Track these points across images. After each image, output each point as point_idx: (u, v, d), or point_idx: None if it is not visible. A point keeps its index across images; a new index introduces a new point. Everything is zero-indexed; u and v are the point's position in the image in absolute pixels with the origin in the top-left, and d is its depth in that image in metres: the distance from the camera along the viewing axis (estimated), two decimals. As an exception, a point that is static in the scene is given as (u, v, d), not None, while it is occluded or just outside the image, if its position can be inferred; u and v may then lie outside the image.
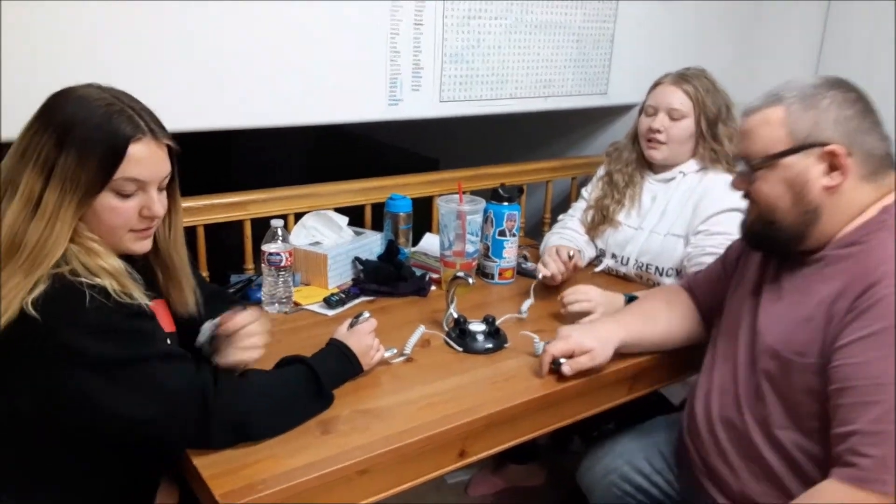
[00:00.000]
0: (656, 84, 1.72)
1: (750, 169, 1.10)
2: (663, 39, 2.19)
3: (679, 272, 1.63)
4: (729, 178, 1.61)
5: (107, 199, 0.94)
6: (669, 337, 1.37)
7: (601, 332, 1.29)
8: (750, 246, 1.22)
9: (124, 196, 0.95)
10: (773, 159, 1.07)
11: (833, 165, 1.03)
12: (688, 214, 1.64)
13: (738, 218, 1.55)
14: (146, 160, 0.95)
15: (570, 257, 1.61)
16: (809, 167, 1.04)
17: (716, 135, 1.65)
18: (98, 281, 0.91)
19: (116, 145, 0.92)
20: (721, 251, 1.53)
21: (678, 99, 1.65)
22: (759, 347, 1.11)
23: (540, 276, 1.57)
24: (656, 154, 1.70)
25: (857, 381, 0.95)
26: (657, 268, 1.67)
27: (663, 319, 1.37)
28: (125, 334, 0.92)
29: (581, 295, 1.47)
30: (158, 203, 0.99)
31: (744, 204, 1.59)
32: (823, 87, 1.06)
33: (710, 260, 1.53)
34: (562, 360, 1.23)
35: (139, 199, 0.97)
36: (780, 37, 2.33)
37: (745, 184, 1.13)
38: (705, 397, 1.21)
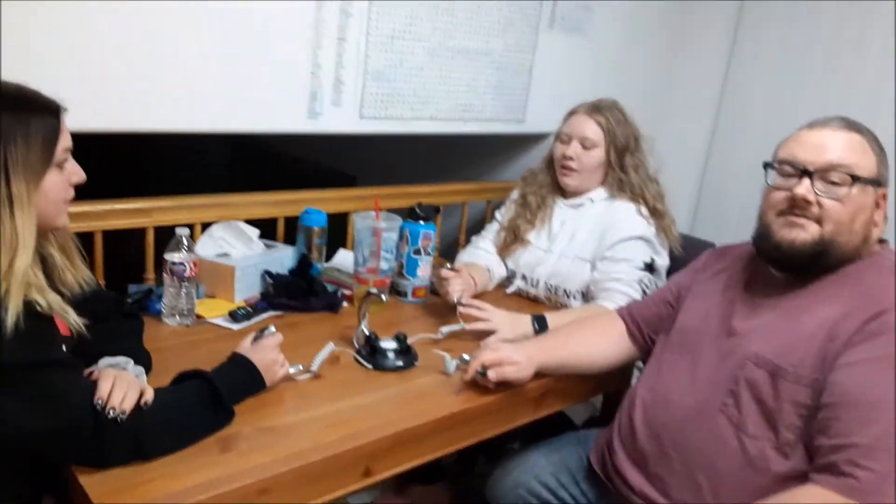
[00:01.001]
0: (571, 113, 1.79)
1: (829, 182, 1.09)
2: (579, 72, 2.28)
3: (585, 295, 1.69)
4: (633, 207, 1.70)
5: (52, 175, 0.97)
6: (592, 364, 1.42)
7: (528, 349, 1.33)
8: (786, 263, 1.16)
9: (61, 168, 0.98)
10: (865, 182, 1.10)
11: (877, 205, 1.13)
12: (595, 240, 1.70)
13: (641, 246, 1.65)
14: (67, 130, 0.99)
15: (452, 268, 1.63)
16: (872, 201, 1.13)
17: (623, 165, 1.73)
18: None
19: (52, 122, 0.96)
20: (625, 277, 1.61)
21: (591, 129, 1.72)
22: (737, 356, 1.14)
23: (456, 298, 1.55)
24: (569, 181, 1.77)
25: (859, 399, 1.00)
26: (565, 290, 1.72)
27: (591, 346, 1.42)
28: (23, 336, 0.87)
29: (484, 308, 1.50)
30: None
31: (648, 233, 1.67)
32: (873, 133, 1.14)
33: (615, 286, 1.60)
34: (487, 370, 1.26)
35: (68, 169, 1.00)
36: (688, 73, 2.49)
37: (814, 196, 1.10)
38: (649, 406, 1.24)
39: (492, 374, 1.26)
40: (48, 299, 0.92)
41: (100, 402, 0.91)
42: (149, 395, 0.97)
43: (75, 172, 1.02)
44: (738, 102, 2.42)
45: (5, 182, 0.90)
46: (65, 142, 0.98)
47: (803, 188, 1.10)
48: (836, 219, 1.10)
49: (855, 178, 1.09)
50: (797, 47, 2.26)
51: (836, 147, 1.11)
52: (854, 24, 2.13)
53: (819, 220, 1.10)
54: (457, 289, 1.57)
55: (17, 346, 0.86)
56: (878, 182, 1.13)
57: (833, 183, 1.10)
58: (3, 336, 0.84)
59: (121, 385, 0.94)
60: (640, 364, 1.52)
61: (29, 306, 0.88)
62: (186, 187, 1.73)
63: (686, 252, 1.71)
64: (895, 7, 2.02)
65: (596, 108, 1.74)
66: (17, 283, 0.87)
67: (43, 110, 0.96)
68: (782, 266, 1.18)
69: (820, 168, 1.10)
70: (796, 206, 1.12)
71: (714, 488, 1.13)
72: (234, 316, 1.46)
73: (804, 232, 1.11)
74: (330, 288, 1.65)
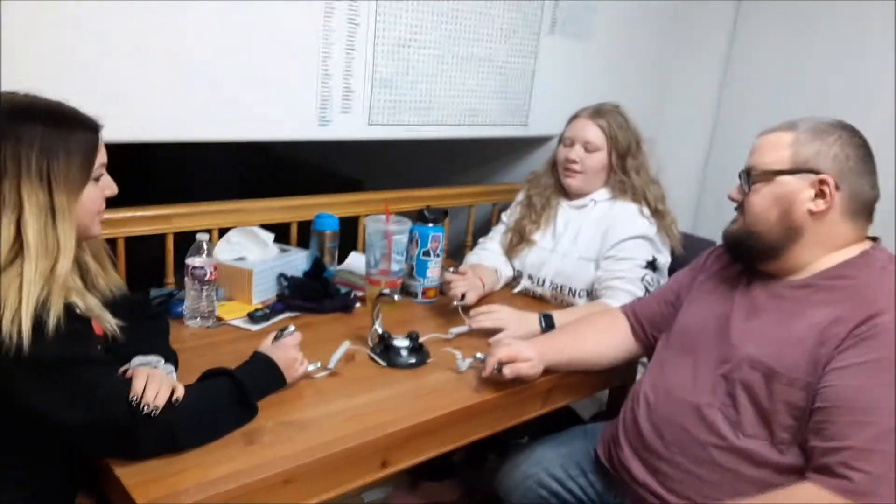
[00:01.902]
0: (574, 117, 1.84)
1: (748, 180, 1.21)
2: (581, 76, 2.34)
3: (590, 293, 1.74)
4: (635, 207, 1.75)
5: (90, 189, 1.03)
6: (598, 360, 1.47)
7: (538, 346, 1.38)
8: (727, 251, 1.32)
9: (97, 182, 1.05)
10: (770, 175, 1.18)
11: (821, 193, 1.15)
12: (598, 240, 1.75)
13: (643, 245, 1.70)
14: (103, 146, 1.06)
15: (456, 271, 1.68)
16: (800, 189, 1.16)
17: (625, 167, 1.78)
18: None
19: (90, 137, 1.02)
20: (629, 275, 1.65)
21: (593, 133, 1.77)
22: (734, 358, 1.18)
23: (455, 303, 1.61)
24: (572, 182, 1.82)
25: (851, 403, 1.04)
26: (570, 289, 1.77)
27: (597, 343, 1.47)
28: (63, 335, 0.92)
29: (492, 312, 1.55)
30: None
31: (650, 232, 1.73)
32: (835, 126, 1.18)
33: (618, 284, 1.65)
34: (502, 366, 1.31)
35: (103, 182, 1.07)
36: (688, 76, 2.55)
37: (740, 194, 1.24)
38: (651, 403, 1.28)
39: (507, 371, 1.30)
40: (87, 303, 0.98)
41: (135, 398, 0.97)
42: (179, 392, 1.03)
43: (109, 186, 1.08)
44: (738, 102, 2.47)
45: (48, 193, 0.95)
46: (101, 157, 1.05)
47: (733, 189, 1.26)
48: (751, 212, 1.21)
49: (765, 174, 1.19)
50: (795, 47, 2.31)
51: (757, 148, 1.23)
52: (852, 23, 2.18)
53: (744, 214, 1.23)
54: (458, 292, 1.62)
55: (57, 345, 0.91)
56: (795, 171, 1.16)
57: (750, 182, 1.21)
58: (46, 335, 0.90)
59: (154, 382, 1.00)
60: (644, 360, 1.57)
61: (69, 308, 0.94)
62: (198, 195, 1.78)
63: (688, 251, 1.76)
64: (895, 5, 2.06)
65: (598, 113, 1.79)
66: (59, 287, 0.93)
67: (82, 126, 1.01)
68: (737, 257, 1.30)
69: (745, 170, 1.23)
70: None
71: (714, 481, 1.17)
72: (252, 317, 1.52)
73: (735, 224, 1.26)
74: (343, 290, 1.70)
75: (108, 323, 1.02)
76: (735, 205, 1.26)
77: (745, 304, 1.24)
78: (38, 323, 0.90)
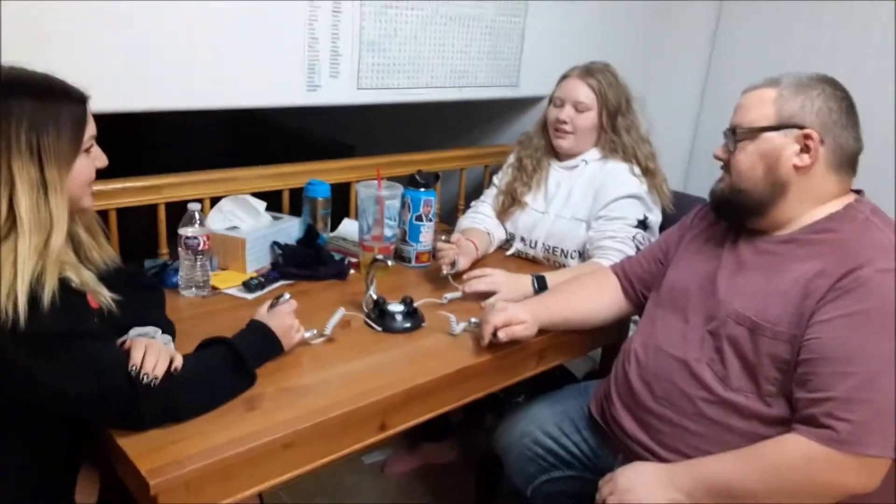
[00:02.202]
0: (564, 77, 1.83)
1: (734, 138, 1.21)
2: (571, 35, 2.31)
3: (581, 254, 1.76)
4: (626, 166, 1.76)
5: (81, 161, 1.02)
6: (591, 319, 1.49)
7: (531, 307, 1.40)
8: (714, 210, 1.32)
9: (88, 153, 1.04)
10: (756, 132, 1.18)
11: (806, 147, 1.15)
12: (589, 200, 1.76)
13: (634, 204, 1.71)
14: (92, 117, 1.05)
15: (447, 240, 1.68)
16: (785, 145, 1.16)
17: (615, 127, 1.78)
18: None
19: (79, 110, 1.01)
20: (620, 234, 1.66)
21: (583, 92, 1.76)
22: (721, 314, 1.20)
23: (445, 272, 1.62)
24: (563, 143, 1.82)
25: (835, 354, 1.06)
26: (563, 250, 1.78)
27: (589, 303, 1.49)
28: (59, 309, 0.92)
29: (485, 276, 1.57)
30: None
31: (640, 191, 1.74)
32: (817, 81, 1.18)
33: (610, 243, 1.66)
34: (497, 331, 1.33)
35: (93, 154, 1.06)
36: (678, 34, 2.52)
37: (725, 153, 1.25)
38: (642, 360, 1.31)
39: (502, 335, 1.32)
40: (82, 277, 0.98)
41: (134, 368, 0.98)
42: (178, 361, 1.04)
43: (99, 157, 1.07)
44: (728, 60, 2.45)
45: (39, 168, 0.95)
46: (91, 129, 1.04)
47: (718, 148, 1.26)
48: (737, 169, 1.22)
49: (750, 131, 1.19)
50: (785, 4, 2.28)
51: (741, 106, 1.24)
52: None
53: (730, 173, 1.24)
54: (448, 261, 1.63)
55: (54, 319, 0.92)
56: (779, 127, 1.17)
57: (736, 140, 1.21)
58: (42, 310, 0.91)
59: (152, 352, 1.01)
60: (636, 318, 1.59)
61: (63, 282, 0.95)
62: (185, 164, 1.77)
63: (679, 209, 1.76)
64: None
65: (588, 72, 1.78)
66: (52, 262, 0.93)
67: (70, 99, 1.00)
68: (725, 215, 1.31)
69: (730, 128, 1.24)
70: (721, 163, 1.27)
71: (703, 434, 1.20)
72: (247, 286, 1.52)
73: (722, 183, 1.27)
74: (336, 256, 1.71)
75: (102, 297, 1.02)
76: (721, 164, 1.27)
77: (731, 261, 1.26)
78: (34, 298, 0.90)
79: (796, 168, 1.17)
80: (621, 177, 1.74)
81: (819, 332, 1.09)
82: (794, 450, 1.07)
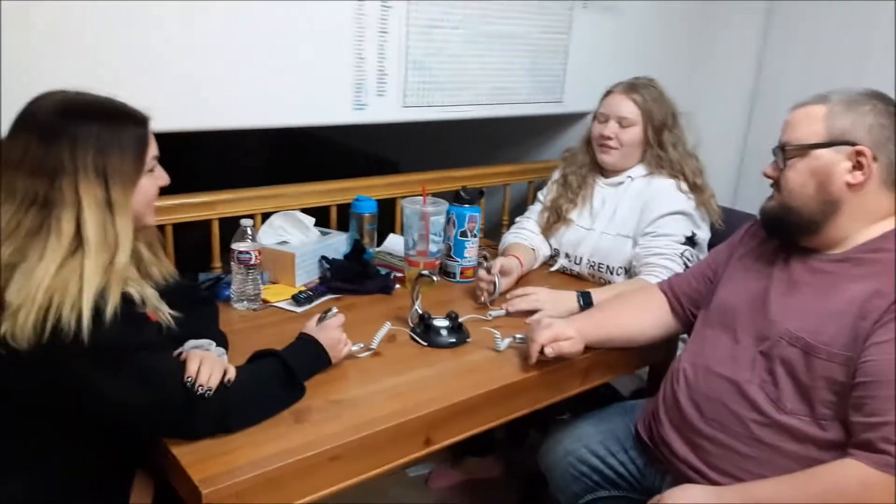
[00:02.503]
0: (608, 93, 1.83)
1: (783, 156, 1.20)
2: (616, 50, 2.30)
3: (627, 271, 1.74)
4: (673, 182, 1.74)
5: (144, 181, 1.06)
6: (637, 337, 1.48)
7: (577, 323, 1.39)
8: (765, 228, 1.31)
9: (151, 173, 1.08)
10: (806, 149, 1.17)
11: (858, 164, 1.13)
12: (635, 216, 1.74)
13: (681, 221, 1.69)
14: (153, 138, 1.08)
15: (488, 270, 1.65)
16: (837, 162, 1.15)
17: (661, 142, 1.76)
18: None
19: (142, 132, 1.05)
20: (667, 251, 1.64)
21: (627, 108, 1.76)
22: (773, 334, 1.18)
23: (483, 299, 1.62)
24: (607, 158, 1.81)
25: (892, 377, 1.02)
26: (608, 267, 1.77)
27: (636, 320, 1.47)
28: (120, 322, 0.96)
29: (528, 294, 1.57)
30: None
31: (688, 207, 1.71)
32: (867, 96, 1.16)
33: (657, 260, 1.64)
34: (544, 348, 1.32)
35: (155, 174, 1.10)
36: (725, 48, 2.49)
37: (775, 170, 1.23)
38: (691, 379, 1.29)
39: (549, 351, 1.31)
40: (145, 294, 1.03)
41: (189, 379, 1.02)
42: (231, 373, 1.07)
43: (161, 176, 1.12)
44: (776, 73, 2.41)
45: (105, 189, 0.99)
46: (153, 150, 1.08)
47: (767, 166, 1.25)
48: (787, 187, 1.20)
49: (800, 148, 1.17)
50: (835, 14, 2.23)
51: (790, 124, 1.21)
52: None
53: (780, 191, 1.22)
54: (483, 298, 1.62)
55: (116, 332, 0.96)
56: (830, 144, 1.14)
57: (785, 157, 1.20)
58: (104, 323, 0.94)
59: (207, 364, 1.04)
60: (684, 336, 1.57)
61: (125, 297, 0.99)
62: (233, 180, 1.82)
63: (728, 225, 1.73)
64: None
65: (632, 87, 1.77)
66: (117, 278, 0.97)
67: (133, 121, 1.05)
68: (776, 234, 1.29)
69: (779, 146, 1.22)
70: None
71: (755, 456, 1.17)
72: (296, 299, 1.56)
73: (772, 201, 1.25)
74: (382, 271, 1.73)
75: (162, 314, 1.06)
76: (771, 182, 1.25)
77: (783, 280, 1.23)
78: (97, 312, 0.94)
79: (849, 185, 1.14)
80: (668, 193, 1.72)
81: (875, 355, 1.05)
82: (850, 475, 1.04)
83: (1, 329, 0.92)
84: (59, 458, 1.04)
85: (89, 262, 0.96)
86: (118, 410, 1.00)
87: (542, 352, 1.32)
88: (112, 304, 0.95)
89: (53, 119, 0.98)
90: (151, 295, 1.05)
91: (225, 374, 1.06)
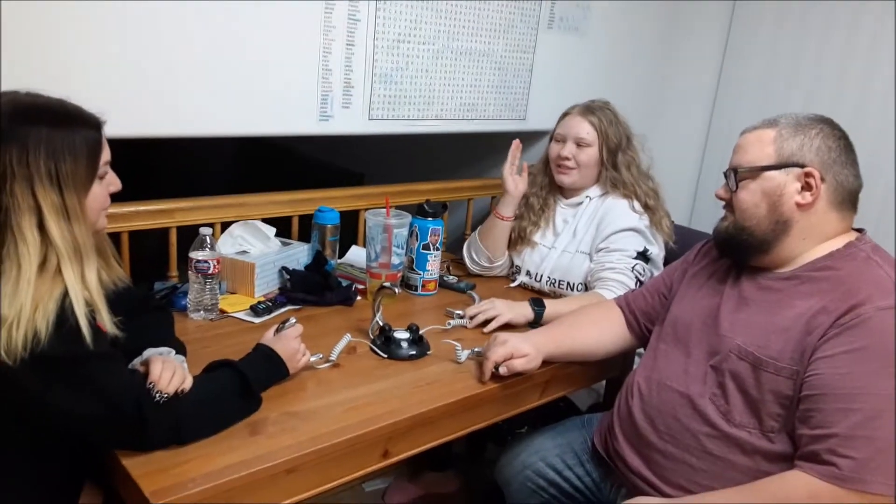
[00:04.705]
0: (565, 114, 1.87)
1: (736, 178, 1.24)
2: (578, 71, 2.36)
3: (587, 287, 1.77)
4: (625, 202, 1.78)
5: (96, 188, 1.03)
6: (595, 352, 1.50)
7: (534, 340, 1.40)
8: (718, 249, 1.34)
9: (103, 179, 1.05)
10: (758, 171, 1.21)
11: (807, 185, 1.17)
12: (591, 234, 1.79)
13: (634, 237, 1.73)
14: (107, 143, 1.05)
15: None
16: (787, 183, 1.19)
17: (615, 163, 1.81)
18: None
19: (95, 137, 1.02)
20: (619, 265, 1.68)
21: (584, 129, 1.80)
22: (723, 348, 1.21)
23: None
24: (566, 178, 1.85)
25: (836, 390, 1.06)
26: (568, 283, 1.80)
27: (593, 335, 1.50)
28: (71, 332, 0.94)
29: (485, 305, 1.60)
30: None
31: (640, 224, 1.75)
32: (815, 121, 1.21)
33: (609, 274, 1.68)
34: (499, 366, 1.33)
35: (107, 179, 1.07)
36: (684, 72, 2.57)
37: (727, 192, 1.26)
38: (644, 394, 1.31)
39: (503, 370, 1.33)
40: (94, 302, 0.99)
41: (152, 384, 1.00)
42: (187, 383, 1.05)
43: (113, 182, 1.09)
44: (734, 95, 2.50)
45: (59, 194, 0.96)
46: (106, 155, 1.05)
47: (720, 188, 1.29)
48: (740, 208, 1.24)
49: (752, 170, 1.21)
50: (790, 41, 2.33)
51: (741, 147, 1.26)
52: (847, 21, 2.19)
53: (733, 211, 1.25)
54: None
55: (64, 342, 0.93)
56: (780, 166, 1.19)
57: (737, 179, 1.23)
58: (56, 333, 0.92)
59: (169, 369, 1.02)
60: (641, 351, 1.60)
61: (72, 307, 0.95)
62: (196, 189, 1.80)
63: (683, 244, 1.77)
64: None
65: (589, 109, 1.82)
66: (82, 286, 0.95)
67: (86, 124, 1.01)
68: (729, 254, 1.32)
69: (731, 168, 1.25)
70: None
71: (706, 469, 1.20)
72: (255, 310, 1.54)
73: (725, 221, 1.28)
74: (344, 283, 1.73)
75: (105, 320, 1.02)
76: (723, 204, 1.29)
77: (733, 297, 1.27)
78: (54, 322, 0.92)
79: (799, 206, 1.18)
80: (621, 211, 1.77)
81: (821, 368, 1.09)
82: (798, 486, 1.07)
83: None
84: (4, 468, 1.01)
85: (66, 270, 0.94)
86: (68, 423, 0.98)
87: (496, 369, 1.33)
88: (82, 314, 0.93)
89: (1, 121, 0.95)
90: (97, 301, 1.02)
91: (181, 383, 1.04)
